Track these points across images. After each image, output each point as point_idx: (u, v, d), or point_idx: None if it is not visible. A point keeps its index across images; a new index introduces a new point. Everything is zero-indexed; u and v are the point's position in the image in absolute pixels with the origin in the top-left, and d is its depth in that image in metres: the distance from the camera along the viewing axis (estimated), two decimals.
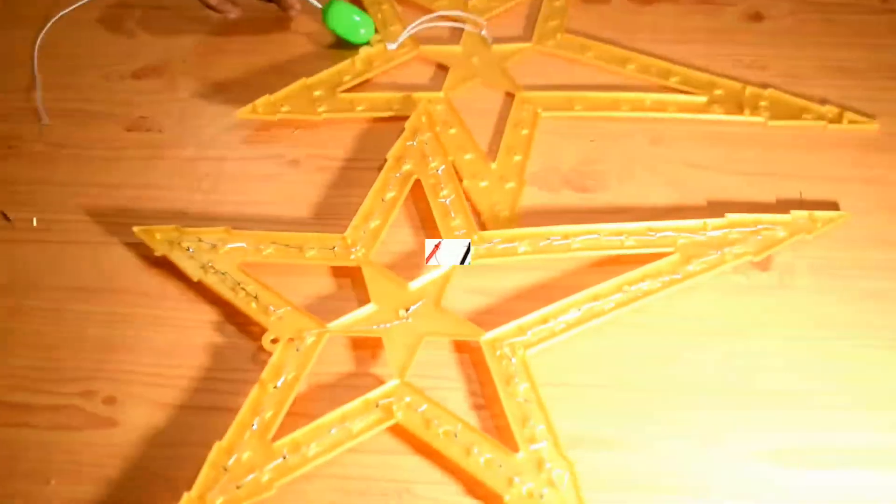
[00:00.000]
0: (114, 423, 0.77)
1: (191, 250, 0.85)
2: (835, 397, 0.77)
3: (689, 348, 0.80)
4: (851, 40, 1.05)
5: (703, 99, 0.98)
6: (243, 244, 0.86)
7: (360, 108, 0.98)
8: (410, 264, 0.86)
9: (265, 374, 0.77)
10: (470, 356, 0.80)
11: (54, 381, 0.80)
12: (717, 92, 0.98)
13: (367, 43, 1.03)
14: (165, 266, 0.86)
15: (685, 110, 0.98)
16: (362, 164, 0.94)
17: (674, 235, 0.84)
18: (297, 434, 0.74)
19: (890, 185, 0.91)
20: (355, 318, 0.81)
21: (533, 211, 0.90)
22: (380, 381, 0.78)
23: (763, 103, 0.97)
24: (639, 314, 0.81)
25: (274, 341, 0.79)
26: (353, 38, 1.02)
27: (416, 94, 0.99)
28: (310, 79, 1.00)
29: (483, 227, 0.87)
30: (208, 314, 0.83)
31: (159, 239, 0.86)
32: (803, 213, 0.86)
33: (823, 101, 0.97)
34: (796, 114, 0.97)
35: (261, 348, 0.79)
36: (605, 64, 1.02)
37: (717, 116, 0.96)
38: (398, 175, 0.90)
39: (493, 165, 0.93)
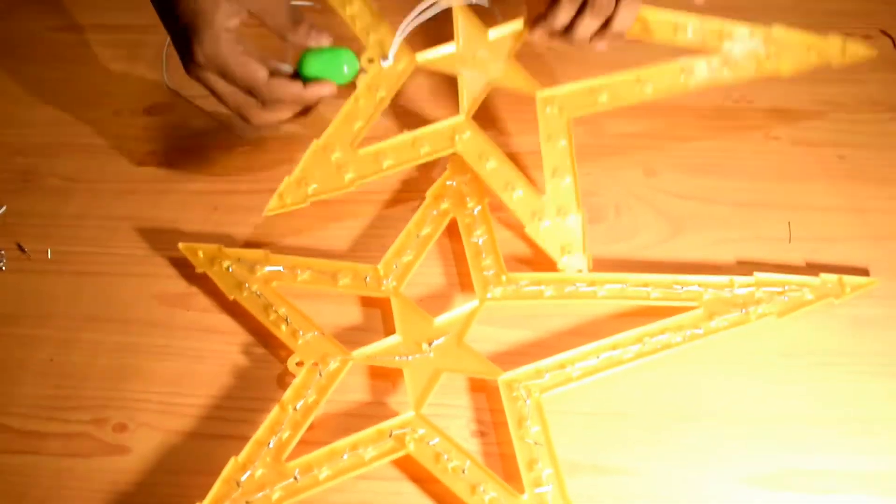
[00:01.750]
0: (125, 450, 0.79)
1: (230, 269, 0.88)
2: (827, 423, 0.79)
3: (683, 375, 0.82)
4: (838, 76, 1.04)
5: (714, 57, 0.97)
6: (280, 268, 0.88)
7: (387, 164, 0.93)
8: (438, 299, 0.88)
9: (286, 395, 0.79)
10: (486, 395, 0.81)
11: (66, 410, 0.82)
12: (726, 43, 0.97)
13: (356, 75, 0.92)
14: (176, 298, 0.88)
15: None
16: (364, 197, 0.95)
17: (700, 290, 0.85)
18: (310, 456, 0.76)
19: (878, 214, 0.93)
20: (379, 348, 0.83)
21: (529, 241, 0.91)
22: (396, 413, 0.80)
23: (770, 48, 0.97)
24: None
25: (299, 364, 0.81)
26: (339, 80, 0.90)
27: (438, 126, 0.95)
28: (320, 139, 0.94)
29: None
30: (218, 345, 0.85)
31: (201, 256, 0.89)
32: (832, 278, 0.86)
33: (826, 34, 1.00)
34: (802, 55, 0.97)
35: (278, 380, 0.82)
36: None
37: (734, 81, 0.97)
38: (435, 213, 0.92)
39: (544, 197, 0.91)
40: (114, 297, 0.89)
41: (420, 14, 0.97)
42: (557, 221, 0.90)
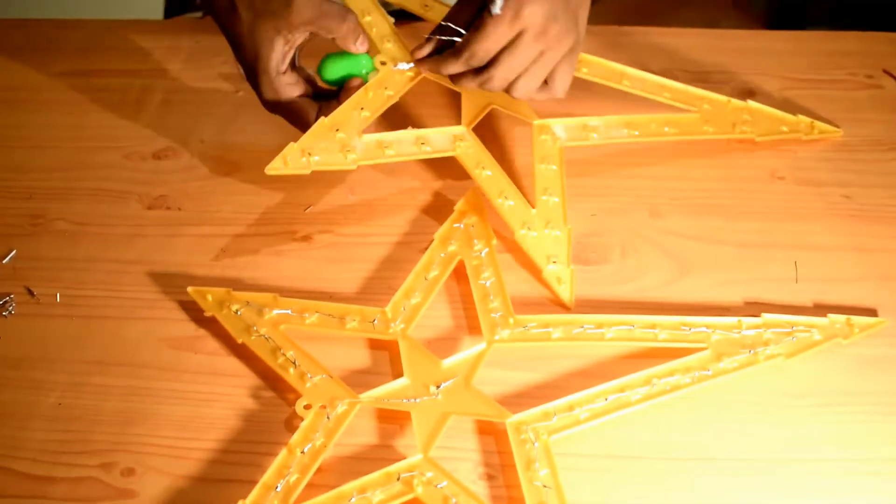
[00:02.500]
0: (133, 494, 0.79)
1: (238, 313, 0.88)
2: (835, 463, 0.79)
3: (692, 417, 0.82)
4: (840, 115, 1.06)
5: (695, 116, 1.03)
6: (288, 311, 0.88)
7: (389, 153, 0.96)
8: (446, 342, 0.88)
9: (294, 438, 0.79)
10: (494, 438, 0.81)
11: (74, 454, 0.81)
12: (706, 106, 1.04)
13: (374, 70, 1.00)
14: (184, 341, 0.88)
15: (685, 131, 1.03)
16: (373, 239, 0.96)
17: (707, 332, 0.85)
18: (318, 500, 0.75)
19: (885, 254, 0.93)
20: (387, 391, 0.83)
21: (536, 283, 0.92)
22: (404, 456, 0.79)
23: (746, 117, 1.04)
24: None
25: (307, 407, 0.81)
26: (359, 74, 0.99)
27: (440, 130, 0.98)
28: (327, 118, 0.95)
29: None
30: (226, 388, 0.85)
31: (210, 300, 0.89)
32: (840, 318, 0.86)
33: (797, 114, 1.05)
34: (775, 126, 1.04)
35: (286, 423, 0.82)
36: (600, 80, 1.05)
37: (712, 136, 1.02)
38: (443, 255, 0.92)
39: (534, 211, 0.95)
40: (122, 340, 0.89)
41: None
42: (545, 233, 0.93)
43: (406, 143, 0.97)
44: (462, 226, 0.95)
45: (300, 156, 0.92)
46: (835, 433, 0.80)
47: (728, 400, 0.82)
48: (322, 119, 0.95)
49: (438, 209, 0.98)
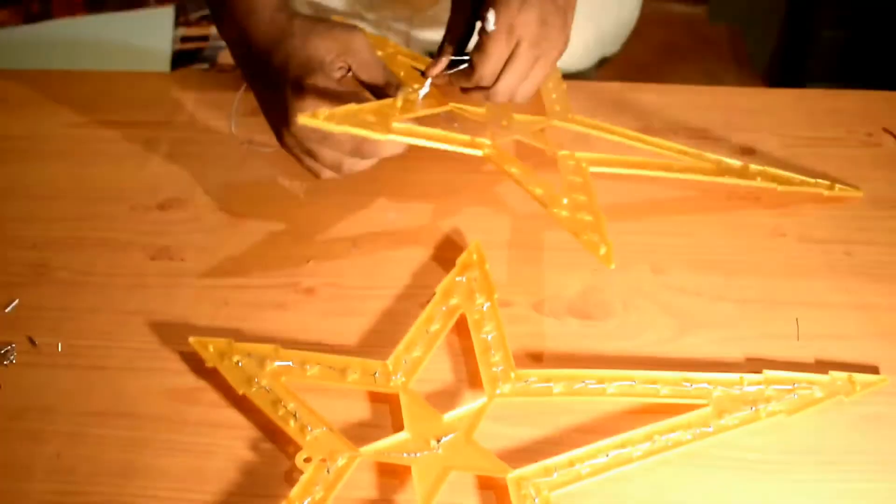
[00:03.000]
0: None
1: (239, 364, 0.88)
2: None
3: (692, 474, 0.81)
4: (841, 173, 1.07)
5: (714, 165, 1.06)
6: (289, 363, 0.88)
7: (420, 139, 0.96)
8: (447, 396, 0.88)
9: (294, 492, 0.78)
10: (495, 493, 0.80)
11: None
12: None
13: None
14: (185, 392, 0.88)
15: (706, 174, 1.05)
16: (375, 292, 0.96)
17: (709, 388, 0.85)
18: None
19: (886, 311, 0.93)
20: (387, 445, 0.82)
21: (537, 337, 0.92)
22: None
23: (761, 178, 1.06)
24: None
25: (307, 460, 0.81)
26: None
27: (469, 137, 0.99)
28: (357, 105, 0.93)
29: None
30: (226, 440, 0.84)
31: (212, 351, 0.89)
32: (842, 375, 0.86)
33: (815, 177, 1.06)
34: (794, 182, 1.06)
35: (286, 476, 0.81)
36: (619, 139, 1.07)
37: (732, 181, 1.04)
38: (444, 309, 0.93)
39: (565, 200, 0.95)
40: (123, 391, 0.89)
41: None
42: (577, 217, 0.94)
43: (435, 134, 0.96)
44: (464, 279, 0.95)
45: (331, 118, 0.89)
46: (836, 490, 0.80)
47: (729, 457, 0.82)
48: (353, 104, 0.92)
49: (441, 263, 0.99)
